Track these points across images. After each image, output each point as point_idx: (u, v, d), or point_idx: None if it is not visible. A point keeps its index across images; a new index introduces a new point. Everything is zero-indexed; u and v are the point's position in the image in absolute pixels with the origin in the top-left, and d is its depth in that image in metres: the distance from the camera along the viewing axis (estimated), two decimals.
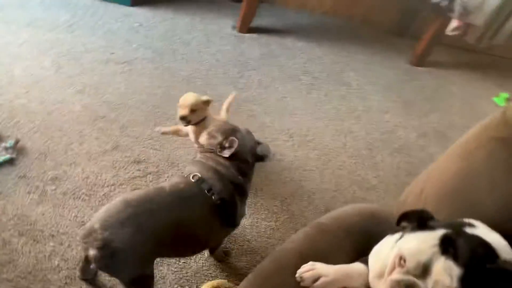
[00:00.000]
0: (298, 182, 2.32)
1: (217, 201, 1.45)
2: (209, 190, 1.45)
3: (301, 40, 3.73)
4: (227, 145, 1.54)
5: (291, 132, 2.65)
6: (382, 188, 2.43)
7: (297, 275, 1.06)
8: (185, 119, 1.97)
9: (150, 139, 2.33)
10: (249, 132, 1.69)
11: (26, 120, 2.24)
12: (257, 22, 3.68)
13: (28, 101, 2.35)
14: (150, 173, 2.14)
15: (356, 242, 1.17)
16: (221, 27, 3.56)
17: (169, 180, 1.52)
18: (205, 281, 1.76)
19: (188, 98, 1.99)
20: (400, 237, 1.00)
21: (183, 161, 2.25)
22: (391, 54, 3.93)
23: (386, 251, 1.01)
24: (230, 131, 1.59)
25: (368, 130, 2.86)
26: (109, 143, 2.24)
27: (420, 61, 3.79)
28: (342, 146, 2.66)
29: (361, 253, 1.12)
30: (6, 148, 2.02)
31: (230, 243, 1.93)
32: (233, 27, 3.59)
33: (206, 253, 1.85)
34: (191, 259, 1.83)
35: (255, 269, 1.15)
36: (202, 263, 1.83)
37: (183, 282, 1.75)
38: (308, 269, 1.06)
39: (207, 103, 2.02)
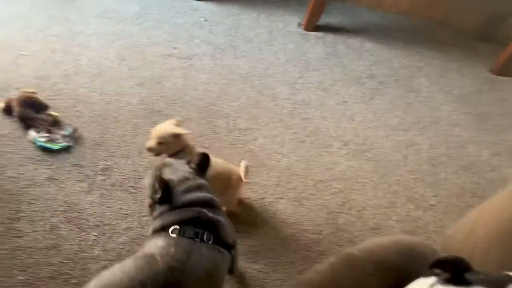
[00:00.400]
0: (348, 194, 2.21)
1: (209, 241, 1.27)
2: (197, 234, 1.26)
3: (370, 41, 3.54)
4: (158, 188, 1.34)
5: (346, 140, 2.52)
6: (440, 209, 2.23)
7: None
8: (151, 151, 1.81)
9: (200, 136, 2.33)
10: (175, 161, 1.50)
11: (86, 109, 2.34)
12: (325, 20, 3.55)
13: (90, 91, 2.45)
14: None
15: (385, 279, 1.06)
16: (286, 24, 3.48)
17: (154, 242, 1.28)
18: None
19: (157, 129, 1.81)
20: (432, 285, 0.88)
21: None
22: (470, 60, 3.61)
23: None
24: (155, 174, 1.39)
25: (433, 144, 2.65)
26: None
27: (503, 70, 3.44)
28: (401, 159, 2.48)
29: None
30: (64, 136, 2.12)
31: (269, 251, 1.88)
32: (299, 25, 3.49)
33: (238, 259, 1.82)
34: None
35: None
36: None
37: None
38: None
39: (178, 136, 1.79)
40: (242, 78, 2.79)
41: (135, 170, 2.09)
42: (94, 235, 1.82)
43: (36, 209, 1.86)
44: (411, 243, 1.15)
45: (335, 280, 1.05)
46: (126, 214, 1.91)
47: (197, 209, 1.31)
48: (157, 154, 1.82)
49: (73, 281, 1.67)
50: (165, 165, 1.45)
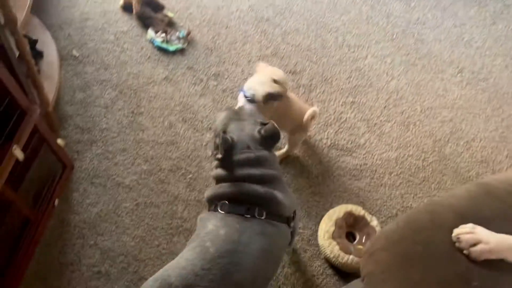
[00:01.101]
0: (457, 124, 2.11)
1: (261, 216, 1.19)
2: (247, 210, 1.18)
3: None
4: (215, 150, 1.26)
5: (461, 66, 2.35)
6: None
7: (453, 234, 0.99)
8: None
9: (308, 50, 2.28)
10: (249, 115, 1.38)
11: (198, 13, 2.35)
12: None
13: None
14: (302, 85, 2.14)
15: None
16: None
17: (203, 223, 1.22)
18: (340, 203, 1.79)
19: (277, 70, 1.67)
20: None
21: (336, 79, 2.18)
22: None
23: None
24: (218, 130, 1.31)
25: None
26: (269, 48, 2.25)
27: None
28: None
29: None
30: (179, 38, 2.16)
31: (372, 171, 1.90)
32: None
33: (340, 175, 1.87)
34: (330, 178, 1.86)
35: (405, 216, 1.10)
36: (339, 184, 1.85)
37: (318, 198, 1.80)
38: (467, 232, 0.98)
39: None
40: None
41: (245, 79, 2.10)
42: (208, 137, 1.92)
43: (156, 106, 1.98)
44: None
45: (473, 206, 1.04)
46: None
47: (248, 185, 1.21)
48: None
49: (189, 176, 1.82)
50: (235, 116, 1.35)
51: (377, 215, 1.78)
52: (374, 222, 1.69)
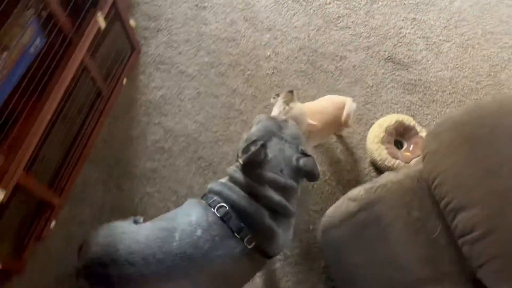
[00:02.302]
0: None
1: (249, 245, 1.07)
2: (239, 230, 1.06)
3: None
4: (242, 153, 1.11)
5: None
6: None
7: None
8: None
9: None
10: (293, 138, 1.21)
11: None
12: None
13: None
14: None
15: None
16: None
17: (192, 206, 1.13)
18: (390, 112, 1.84)
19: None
20: None
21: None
22: None
23: None
24: (256, 137, 1.15)
25: None
26: None
27: None
28: None
29: None
30: None
31: (425, 88, 1.92)
32: None
33: (394, 88, 1.90)
34: (384, 89, 1.89)
35: (474, 105, 1.15)
36: (392, 97, 1.89)
37: (370, 106, 1.85)
38: None
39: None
40: None
41: None
42: (267, 37, 1.96)
43: (219, 2, 2.01)
44: None
45: None
46: (296, 25, 2.00)
47: (259, 208, 1.09)
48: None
49: (248, 72, 1.88)
50: (279, 131, 1.21)
51: (426, 129, 1.83)
52: (424, 133, 1.74)
